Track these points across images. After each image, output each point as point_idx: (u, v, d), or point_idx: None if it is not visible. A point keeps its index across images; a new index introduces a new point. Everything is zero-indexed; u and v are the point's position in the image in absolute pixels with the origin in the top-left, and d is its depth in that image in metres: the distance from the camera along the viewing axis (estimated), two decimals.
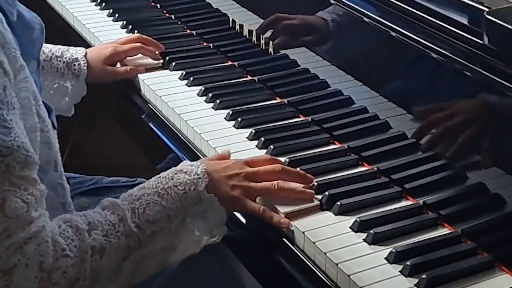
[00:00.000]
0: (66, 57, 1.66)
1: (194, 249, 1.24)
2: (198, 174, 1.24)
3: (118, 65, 1.74)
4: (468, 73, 1.22)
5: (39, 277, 1.07)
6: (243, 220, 1.32)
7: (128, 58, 1.75)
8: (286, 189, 1.29)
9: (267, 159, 1.34)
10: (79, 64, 1.66)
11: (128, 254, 1.17)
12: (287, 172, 1.32)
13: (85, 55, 1.67)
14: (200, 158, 1.47)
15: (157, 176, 1.25)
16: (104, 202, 1.21)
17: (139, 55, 1.76)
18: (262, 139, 1.46)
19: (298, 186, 1.30)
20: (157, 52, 1.77)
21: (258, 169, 1.31)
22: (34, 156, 1.09)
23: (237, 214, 1.34)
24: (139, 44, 1.76)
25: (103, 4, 2.07)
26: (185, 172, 1.24)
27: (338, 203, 1.28)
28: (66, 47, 1.69)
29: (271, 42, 1.70)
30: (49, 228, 1.10)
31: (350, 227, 1.25)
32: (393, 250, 1.18)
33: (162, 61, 1.77)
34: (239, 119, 1.53)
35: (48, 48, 1.67)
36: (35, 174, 1.10)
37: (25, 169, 1.07)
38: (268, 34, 1.70)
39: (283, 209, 1.27)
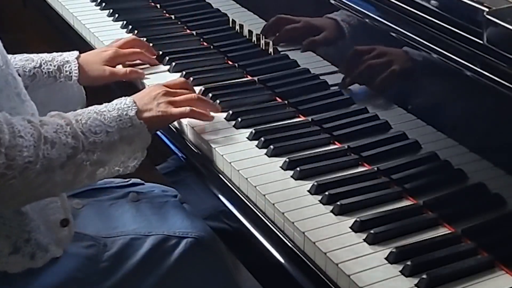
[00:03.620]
0: (57, 61, 1.64)
1: (119, 170, 1.39)
2: (127, 104, 1.40)
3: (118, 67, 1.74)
4: (468, 73, 1.22)
5: None
6: (241, 217, 1.33)
7: (127, 62, 1.74)
8: (198, 113, 1.49)
9: (182, 81, 1.55)
10: (70, 66, 1.64)
11: (73, 154, 1.29)
12: (201, 100, 1.52)
13: (77, 58, 1.66)
14: (200, 158, 1.48)
15: (89, 108, 1.38)
16: (51, 113, 1.35)
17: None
18: (262, 139, 1.46)
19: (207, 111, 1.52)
20: (153, 57, 1.77)
21: (176, 90, 1.50)
22: None
23: (232, 207, 1.35)
24: (139, 49, 1.75)
25: (103, 4, 2.07)
26: (115, 103, 1.39)
27: (338, 203, 1.28)
28: (59, 53, 1.68)
29: (271, 42, 1.70)
30: (1, 114, 1.25)
31: (350, 227, 1.25)
32: (393, 250, 1.18)
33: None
34: (239, 119, 1.53)
35: (37, 56, 1.65)
36: None
37: None
38: (272, 37, 1.70)
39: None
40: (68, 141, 1.29)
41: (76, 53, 1.67)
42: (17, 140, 1.23)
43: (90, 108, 1.38)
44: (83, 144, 1.31)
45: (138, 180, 1.68)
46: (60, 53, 1.67)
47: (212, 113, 1.55)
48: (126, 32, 1.93)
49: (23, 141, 1.24)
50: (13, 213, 1.38)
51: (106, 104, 1.40)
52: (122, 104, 1.39)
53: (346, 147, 1.45)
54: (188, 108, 1.46)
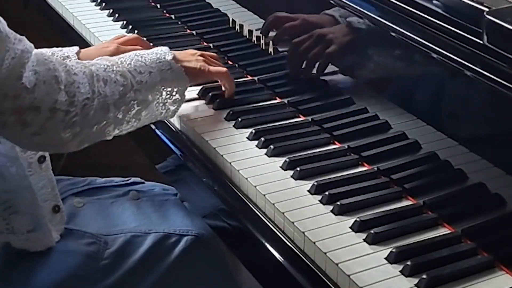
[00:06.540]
0: (57, 56, 1.60)
1: (162, 112, 1.44)
2: (163, 50, 1.46)
3: None
4: (468, 73, 1.22)
5: (57, 89, 1.23)
6: (240, 217, 1.33)
7: None
8: (230, 80, 1.57)
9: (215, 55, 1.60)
10: (70, 60, 1.63)
11: (124, 93, 1.34)
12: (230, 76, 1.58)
13: (77, 53, 1.64)
14: (200, 158, 1.48)
15: (129, 52, 1.45)
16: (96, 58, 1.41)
17: None
18: (262, 139, 1.46)
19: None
20: None
21: (210, 53, 1.59)
22: None
23: (231, 207, 1.35)
24: (140, 46, 1.75)
25: (103, 4, 2.07)
26: (153, 50, 1.46)
27: (338, 203, 1.28)
28: (59, 48, 1.64)
29: (271, 42, 1.70)
30: (53, 57, 1.29)
31: (350, 227, 1.25)
32: (393, 250, 1.18)
33: None
34: (239, 119, 1.53)
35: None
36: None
37: None
38: (271, 36, 1.70)
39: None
40: (118, 79, 1.34)
41: (76, 48, 1.66)
42: (73, 77, 1.27)
43: (130, 52, 1.44)
44: (131, 83, 1.36)
45: (138, 179, 1.68)
46: (60, 48, 1.66)
47: (212, 113, 1.56)
48: (126, 32, 1.93)
49: (78, 78, 1.28)
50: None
51: (145, 50, 1.46)
52: (159, 50, 1.45)
53: (346, 147, 1.45)
54: (225, 69, 1.55)
